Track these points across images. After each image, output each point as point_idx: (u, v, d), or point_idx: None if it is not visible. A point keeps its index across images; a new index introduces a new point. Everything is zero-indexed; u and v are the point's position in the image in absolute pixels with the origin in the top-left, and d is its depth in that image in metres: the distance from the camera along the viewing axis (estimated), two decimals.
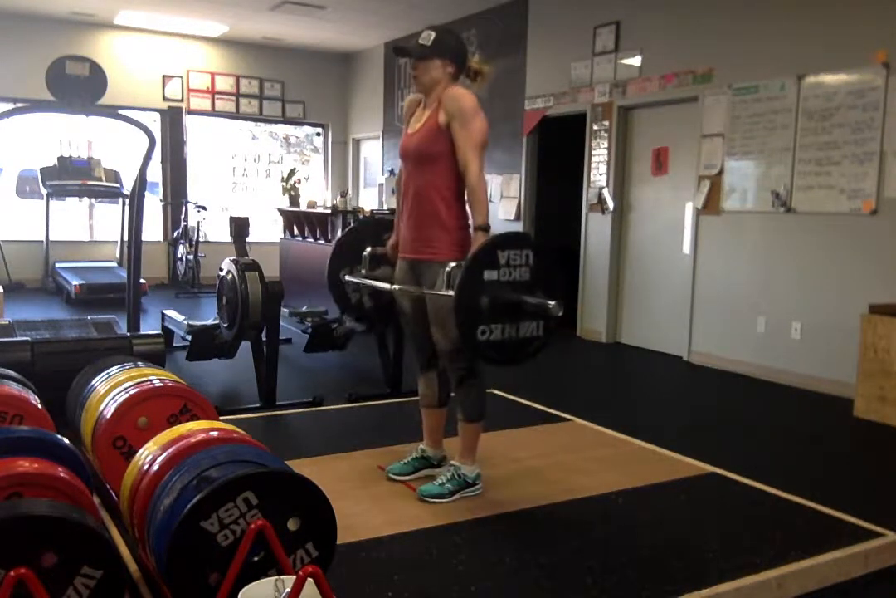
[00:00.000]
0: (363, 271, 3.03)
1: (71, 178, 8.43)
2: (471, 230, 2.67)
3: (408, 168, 2.81)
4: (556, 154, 7.35)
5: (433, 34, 2.68)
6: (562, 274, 2.60)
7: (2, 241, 8.71)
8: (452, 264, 2.56)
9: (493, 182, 7.67)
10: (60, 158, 8.57)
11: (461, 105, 2.61)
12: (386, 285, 2.83)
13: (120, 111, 5.25)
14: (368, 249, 3.03)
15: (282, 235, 8.36)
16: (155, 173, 9.58)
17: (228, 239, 4.80)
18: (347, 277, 3.01)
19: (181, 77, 9.53)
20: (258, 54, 9.88)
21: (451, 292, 2.47)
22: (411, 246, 2.78)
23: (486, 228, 2.59)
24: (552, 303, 2.44)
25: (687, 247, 5.84)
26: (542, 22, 7.05)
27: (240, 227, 4.73)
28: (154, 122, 9.46)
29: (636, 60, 6.12)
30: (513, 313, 2.48)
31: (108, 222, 9.65)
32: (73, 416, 3.00)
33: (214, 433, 2.19)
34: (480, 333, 2.43)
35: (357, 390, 4.43)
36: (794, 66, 4.99)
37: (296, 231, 7.95)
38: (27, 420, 2.58)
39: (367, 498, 2.78)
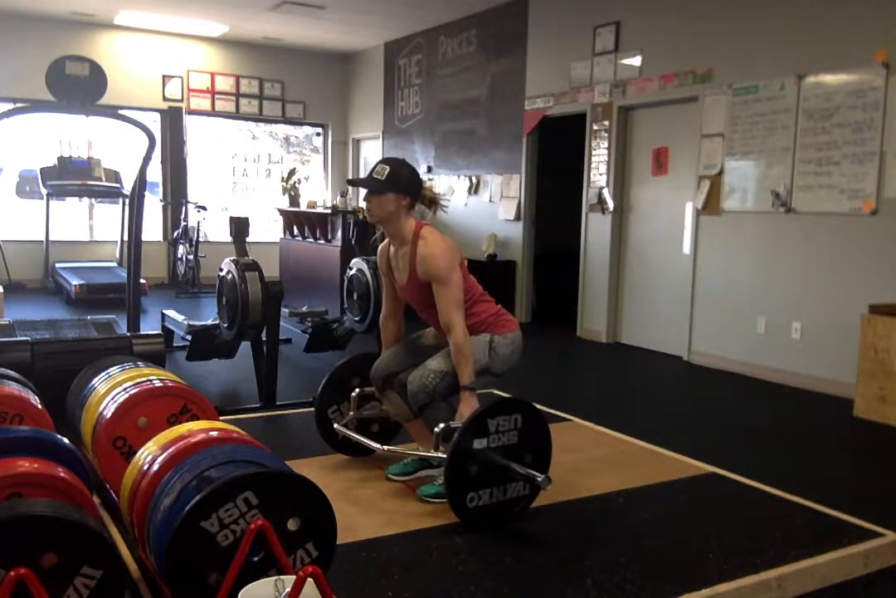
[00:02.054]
0: (352, 413, 3.04)
1: (71, 178, 8.43)
2: (485, 336, 2.75)
3: (415, 305, 2.89)
4: (556, 154, 7.36)
5: (387, 168, 2.72)
6: (548, 433, 2.64)
7: (2, 241, 8.71)
8: (442, 426, 2.58)
9: (493, 182, 7.68)
10: (60, 158, 8.57)
11: (435, 269, 2.67)
12: (376, 445, 2.84)
13: (120, 111, 5.25)
14: (357, 391, 3.04)
15: (282, 235, 8.37)
16: (155, 173, 9.58)
17: (228, 239, 4.80)
18: (336, 427, 3.01)
19: (181, 77, 9.53)
20: (258, 54, 9.88)
21: (441, 454, 2.52)
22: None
23: (472, 387, 2.64)
24: (540, 477, 2.49)
25: (687, 247, 5.84)
26: (542, 22, 7.05)
27: (240, 227, 4.73)
28: (154, 122, 9.46)
29: (636, 60, 6.12)
30: (501, 477, 2.53)
31: (108, 222, 9.65)
32: (73, 416, 3.00)
33: (214, 433, 2.19)
34: (469, 500, 2.48)
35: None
36: (794, 66, 4.99)
37: (296, 231, 7.95)
38: (27, 420, 2.58)
39: (367, 498, 2.78)
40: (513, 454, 2.54)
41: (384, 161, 2.78)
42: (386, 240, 2.92)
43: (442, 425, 2.58)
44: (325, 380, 3.12)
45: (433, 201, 2.87)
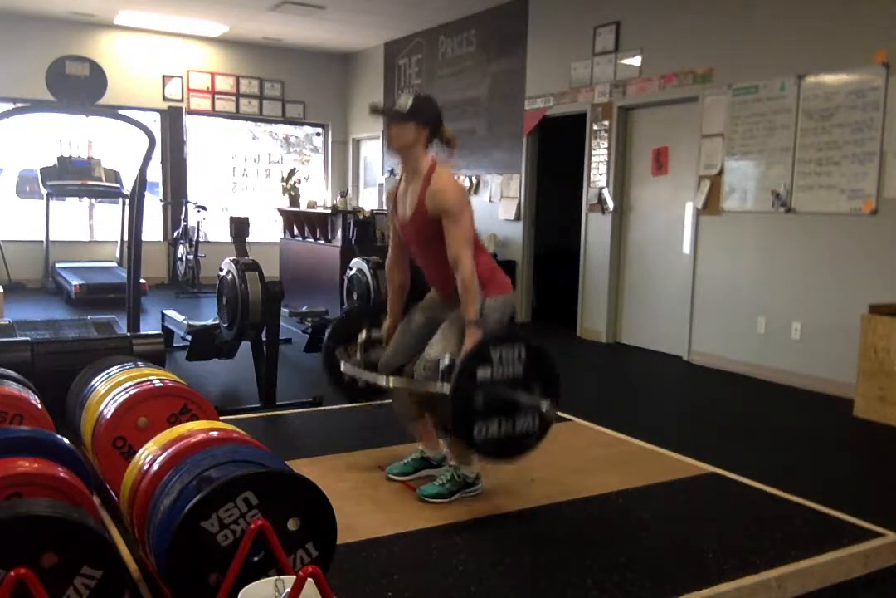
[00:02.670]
0: (358, 356, 3.02)
1: (71, 178, 8.43)
2: (482, 307, 2.68)
3: (414, 248, 2.87)
4: (556, 154, 7.36)
5: (411, 98, 2.73)
6: (555, 365, 2.61)
7: (2, 241, 8.71)
8: (447, 360, 2.57)
9: (493, 182, 7.68)
10: (60, 158, 8.57)
11: (447, 204, 2.65)
12: (381, 379, 2.82)
13: (120, 111, 5.26)
14: (363, 334, 3.02)
15: (282, 235, 8.36)
16: (155, 173, 9.58)
17: (228, 239, 4.80)
18: (342, 367, 3.00)
19: (181, 77, 9.53)
20: (258, 54, 9.88)
21: (447, 388, 2.49)
22: (443, 292, 2.83)
23: (478, 322, 2.62)
24: (545, 404, 2.47)
25: (687, 247, 5.84)
26: (542, 22, 7.05)
27: (240, 227, 4.73)
28: (154, 122, 9.46)
29: (636, 60, 6.12)
30: (508, 410, 2.51)
31: (108, 222, 9.65)
32: (73, 416, 3.00)
33: (214, 433, 2.19)
34: (477, 431, 2.45)
35: None
36: (794, 66, 4.99)
37: (296, 231, 7.95)
38: (27, 420, 2.58)
39: (367, 498, 2.78)
40: (518, 386, 2.50)
41: (409, 92, 2.80)
42: (396, 181, 2.90)
43: (447, 359, 2.57)
44: (334, 323, 3.10)
45: (451, 141, 2.85)
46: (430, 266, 2.85)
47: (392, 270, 3.02)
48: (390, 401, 3.03)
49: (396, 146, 2.76)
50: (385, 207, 8.13)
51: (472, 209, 2.73)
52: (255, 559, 1.83)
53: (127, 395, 2.63)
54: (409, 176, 2.80)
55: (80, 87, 4.21)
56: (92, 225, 9.81)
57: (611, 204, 6.43)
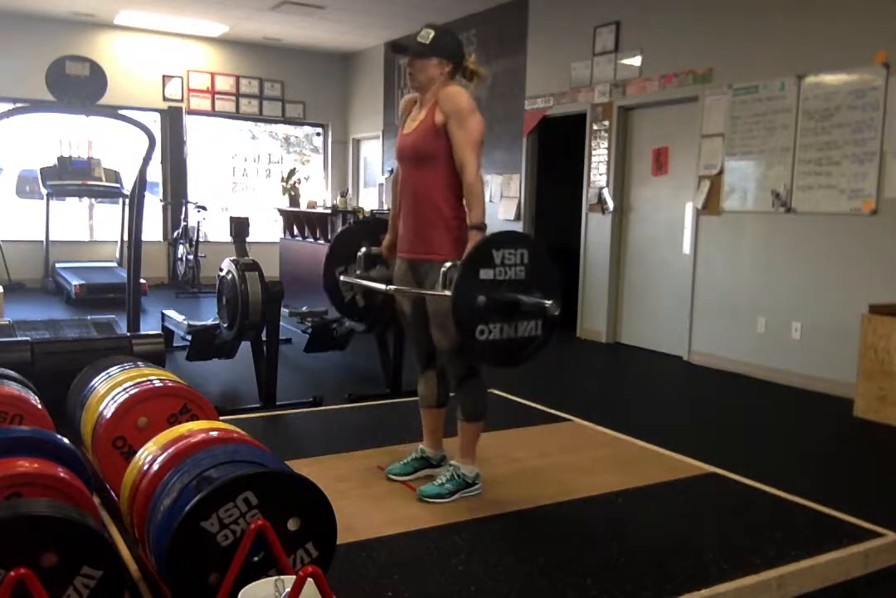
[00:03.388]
0: (358, 272, 3.02)
1: (71, 178, 8.43)
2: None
3: (405, 168, 2.80)
4: (556, 154, 7.35)
5: (432, 32, 2.67)
6: (557, 272, 2.58)
7: (2, 241, 8.71)
8: (448, 264, 2.54)
9: (493, 182, 7.68)
10: (60, 158, 8.57)
11: (457, 104, 2.61)
12: (381, 286, 2.81)
13: (120, 111, 5.25)
14: (363, 250, 3.02)
15: (282, 235, 8.37)
16: (155, 173, 9.58)
17: (228, 239, 4.80)
18: (342, 278, 2.99)
19: (181, 77, 9.53)
20: (258, 54, 9.88)
21: (448, 292, 2.46)
22: (411, 246, 2.77)
23: (481, 226, 2.58)
24: (549, 302, 2.44)
25: (687, 247, 5.84)
26: (542, 22, 7.05)
27: (240, 227, 4.73)
28: (154, 122, 9.46)
29: (636, 60, 6.12)
30: (510, 313, 2.47)
31: (108, 222, 9.65)
32: (73, 416, 3.00)
33: (214, 433, 2.19)
34: (479, 332, 2.42)
35: (357, 390, 4.44)
36: (794, 66, 4.99)
37: (296, 231, 7.95)
38: (27, 420, 2.58)
39: (367, 498, 2.78)
40: (521, 289, 2.47)
41: (429, 26, 2.73)
42: (412, 98, 2.85)
43: (449, 263, 2.54)
44: (331, 242, 3.09)
45: (475, 73, 2.79)
46: (411, 192, 2.75)
47: (395, 183, 2.96)
48: (418, 387, 2.99)
49: (419, 82, 2.70)
50: (385, 207, 8.14)
51: (482, 122, 2.65)
52: (255, 559, 1.83)
53: (127, 395, 2.63)
54: (426, 101, 2.73)
55: (80, 87, 4.21)
56: (92, 225, 9.82)
57: (611, 204, 6.43)
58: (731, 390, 5.08)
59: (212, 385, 4.69)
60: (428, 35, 2.66)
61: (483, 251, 2.43)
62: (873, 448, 3.89)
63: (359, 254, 3.03)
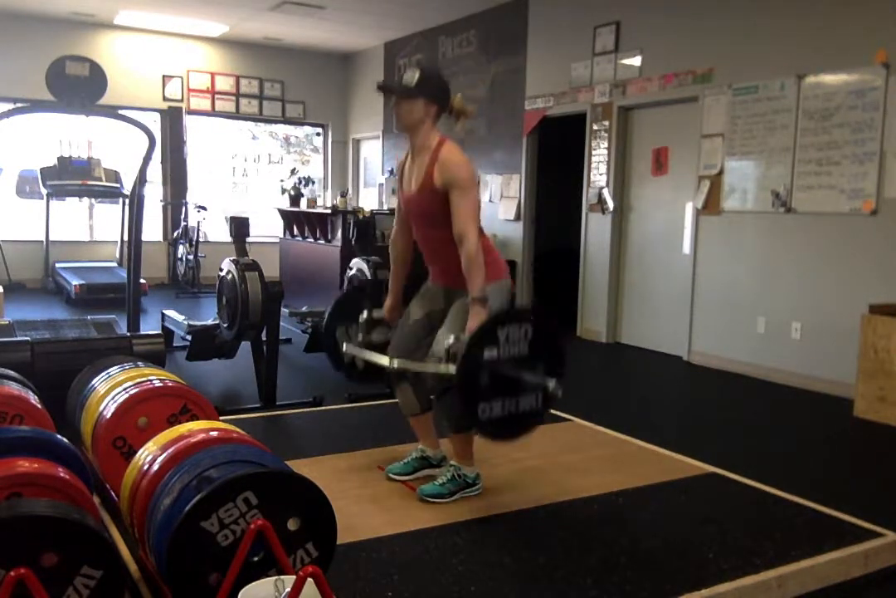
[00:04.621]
0: (360, 337, 3.00)
1: (71, 178, 8.43)
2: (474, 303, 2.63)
3: (420, 226, 2.81)
4: (556, 154, 7.35)
5: (417, 73, 2.68)
6: (563, 343, 2.58)
7: (2, 241, 8.71)
8: (452, 338, 2.53)
9: (493, 182, 7.68)
10: (60, 158, 8.57)
11: (458, 176, 2.61)
12: (385, 361, 2.79)
13: (120, 111, 5.25)
14: (365, 314, 3.00)
15: (282, 235, 8.36)
16: (155, 173, 9.58)
17: (228, 239, 4.80)
18: (345, 348, 2.98)
19: (181, 77, 9.53)
20: (258, 54, 9.88)
21: (452, 369, 2.45)
22: (443, 277, 2.80)
23: (483, 299, 2.57)
24: (552, 383, 2.44)
25: (687, 247, 5.84)
26: (542, 22, 7.05)
27: (240, 227, 4.73)
28: (154, 122, 9.46)
29: (636, 60, 6.12)
30: (513, 389, 2.47)
31: (108, 222, 9.65)
32: (73, 416, 3.00)
33: (214, 433, 2.19)
34: (481, 411, 2.42)
35: (357, 390, 4.43)
36: (794, 66, 4.99)
37: (296, 231, 7.95)
38: (27, 420, 2.58)
39: (367, 498, 2.78)
40: (524, 365, 2.46)
41: (416, 66, 2.75)
42: (405, 154, 2.86)
43: (452, 338, 2.52)
44: (332, 304, 3.06)
45: (461, 112, 2.82)
46: (430, 245, 2.79)
47: (395, 244, 2.98)
48: (396, 399, 3.01)
49: (405, 123, 2.71)
50: (385, 207, 8.14)
51: (479, 188, 2.69)
52: (255, 559, 1.83)
53: (127, 395, 2.63)
54: (417, 151, 2.75)
55: (80, 87, 4.21)
56: (92, 225, 9.81)
57: (611, 204, 6.43)
58: (731, 390, 5.08)
59: (212, 385, 4.69)
60: (414, 76, 2.67)
61: (488, 331, 2.41)
62: (873, 448, 3.89)
63: (360, 319, 3.00)
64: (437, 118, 2.74)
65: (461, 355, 2.39)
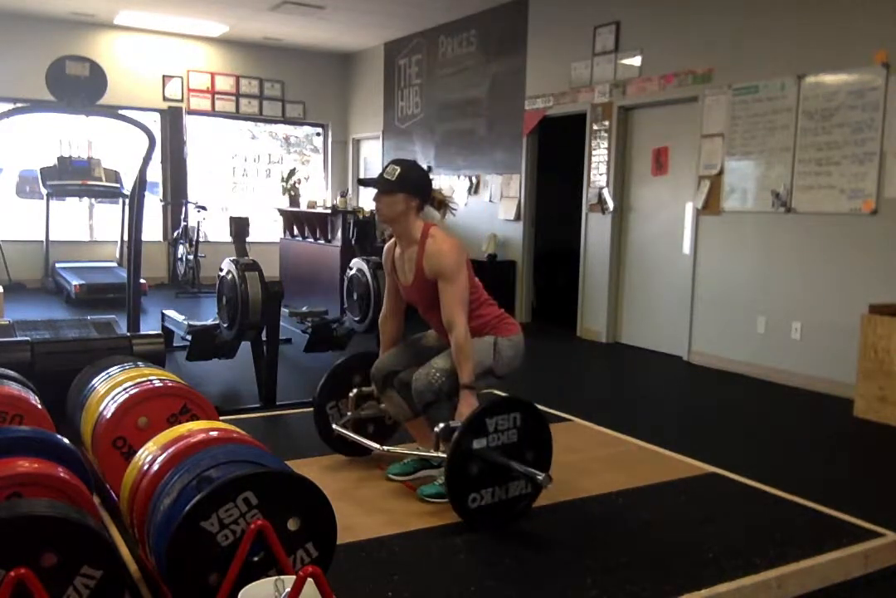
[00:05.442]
0: (349, 413, 3.03)
1: (71, 178, 8.43)
2: (489, 337, 2.74)
3: (419, 306, 2.87)
4: (556, 154, 7.36)
5: (398, 169, 2.74)
6: (548, 432, 2.64)
7: (2, 241, 8.71)
8: (441, 426, 2.57)
9: (493, 182, 7.68)
10: (60, 158, 8.57)
11: (443, 265, 2.67)
12: (376, 445, 2.84)
13: (120, 111, 5.26)
14: (355, 391, 3.03)
15: (282, 235, 8.37)
16: (155, 173, 9.58)
17: (228, 239, 4.80)
18: (335, 427, 3.01)
19: (181, 77, 9.53)
20: (258, 54, 9.88)
21: (442, 454, 2.51)
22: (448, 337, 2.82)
23: (472, 386, 2.63)
24: (540, 476, 2.47)
25: (687, 247, 5.84)
26: (542, 22, 7.05)
27: (240, 227, 4.73)
28: (154, 122, 9.46)
29: (636, 60, 6.12)
30: (502, 476, 2.53)
31: (108, 222, 9.65)
32: (73, 416, 3.00)
33: (214, 433, 2.19)
34: (471, 500, 2.47)
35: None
36: (794, 66, 4.99)
37: (296, 231, 7.96)
38: (27, 420, 2.58)
39: (367, 498, 2.78)
40: (513, 453, 2.53)
41: (395, 162, 2.80)
42: (392, 240, 2.92)
43: (441, 425, 2.57)
44: (323, 378, 3.11)
45: (442, 204, 2.87)
46: (437, 324, 2.86)
47: (386, 322, 3.02)
48: (386, 407, 3.03)
49: (387, 217, 2.77)
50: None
51: (469, 269, 2.75)
52: (255, 559, 1.83)
53: (127, 395, 2.63)
54: (405, 243, 2.82)
55: (80, 88, 4.21)
56: (92, 225, 9.82)
57: (611, 204, 6.43)
58: (731, 390, 5.08)
59: (212, 385, 4.69)
60: (394, 172, 2.73)
61: (477, 422, 2.47)
62: (873, 448, 3.89)
63: (350, 395, 3.03)
64: (419, 209, 2.79)
65: (451, 445, 2.45)
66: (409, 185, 2.74)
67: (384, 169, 2.78)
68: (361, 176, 10.51)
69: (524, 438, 2.56)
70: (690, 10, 5.67)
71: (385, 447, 2.82)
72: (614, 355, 6.26)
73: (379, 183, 2.77)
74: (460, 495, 2.47)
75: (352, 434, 2.96)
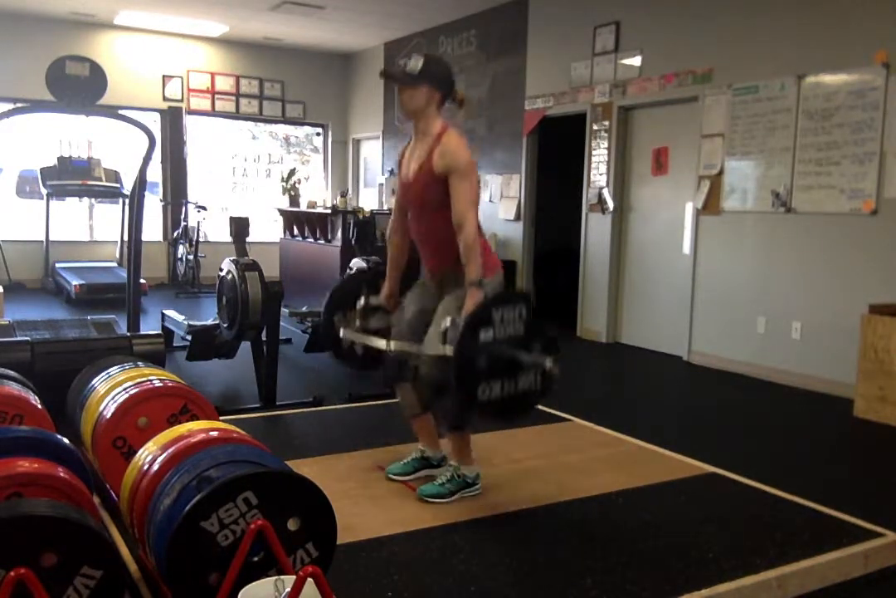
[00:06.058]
0: (357, 322, 3.00)
1: (71, 178, 8.43)
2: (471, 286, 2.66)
3: (413, 212, 2.83)
4: (556, 154, 7.36)
5: (421, 60, 2.70)
6: (553, 326, 2.61)
7: (2, 241, 8.71)
8: (448, 322, 2.56)
9: (493, 182, 7.68)
10: (60, 158, 8.57)
11: (458, 161, 2.66)
12: (382, 344, 2.81)
13: (120, 111, 5.26)
14: (362, 301, 3.00)
15: (282, 235, 8.37)
16: (155, 173, 9.58)
17: (228, 239, 4.80)
18: (342, 333, 2.98)
19: (181, 77, 9.53)
20: (258, 54, 9.88)
21: (448, 351, 2.48)
22: (437, 267, 2.81)
23: (479, 283, 2.60)
24: (549, 362, 2.46)
25: (687, 247, 5.84)
26: (542, 22, 7.05)
27: (240, 227, 4.73)
28: (154, 122, 9.45)
29: (636, 60, 6.12)
30: (511, 369, 2.50)
31: (108, 222, 9.65)
32: (73, 416, 3.00)
33: (214, 433, 2.19)
34: (481, 392, 2.44)
35: (357, 390, 4.44)
36: (794, 66, 4.99)
37: (296, 231, 7.95)
38: (27, 420, 2.58)
39: (367, 498, 2.78)
40: (520, 345, 2.49)
41: (419, 55, 2.76)
42: (408, 141, 2.89)
43: (449, 320, 2.55)
44: (331, 291, 3.07)
45: (463, 101, 2.85)
46: (425, 235, 2.81)
47: (393, 233, 3.00)
48: (397, 399, 3.01)
49: (409, 110, 2.74)
50: (385, 208, 8.14)
51: (478, 175, 2.71)
52: (255, 559, 1.83)
53: (127, 395, 2.63)
54: (420, 137, 2.78)
55: (80, 87, 4.21)
56: (92, 225, 9.81)
57: (611, 204, 6.43)
58: (731, 390, 5.08)
59: (212, 385, 4.69)
60: (417, 63, 2.70)
61: (483, 312, 2.45)
62: (873, 448, 3.89)
63: (358, 305, 3.00)
64: (440, 105, 2.76)
65: (458, 336, 2.42)
66: (432, 77, 2.71)
67: (408, 60, 2.73)
68: (361, 176, 10.51)
69: (530, 330, 2.51)
70: (690, 10, 5.67)
71: (391, 343, 2.77)
72: (614, 355, 6.26)
73: (402, 75, 2.72)
74: (470, 387, 2.42)
75: (359, 335, 2.91)
